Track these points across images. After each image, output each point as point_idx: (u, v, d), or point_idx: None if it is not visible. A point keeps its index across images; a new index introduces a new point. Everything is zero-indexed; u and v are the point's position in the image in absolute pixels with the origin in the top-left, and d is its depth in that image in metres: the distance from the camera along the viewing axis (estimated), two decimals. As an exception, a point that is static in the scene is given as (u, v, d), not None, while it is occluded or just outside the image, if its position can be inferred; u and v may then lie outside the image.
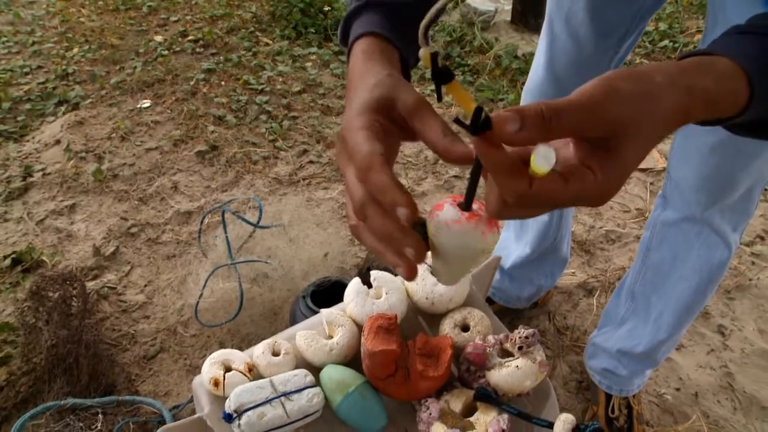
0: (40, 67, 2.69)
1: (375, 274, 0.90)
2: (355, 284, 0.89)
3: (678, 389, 1.50)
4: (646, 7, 1.04)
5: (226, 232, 1.52)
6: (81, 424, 1.24)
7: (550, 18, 1.14)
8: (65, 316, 1.44)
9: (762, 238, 1.94)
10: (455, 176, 2.11)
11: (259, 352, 0.85)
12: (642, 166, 2.24)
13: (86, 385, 1.35)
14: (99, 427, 1.23)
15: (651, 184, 2.16)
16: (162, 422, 1.27)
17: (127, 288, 1.66)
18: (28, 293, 1.47)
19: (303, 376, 0.81)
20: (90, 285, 1.62)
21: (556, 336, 1.59)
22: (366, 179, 0.46)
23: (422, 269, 0.90)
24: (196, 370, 1.43)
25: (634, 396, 1.39)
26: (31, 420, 1.24)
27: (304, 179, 2.06)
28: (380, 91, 0.51)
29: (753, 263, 1.85)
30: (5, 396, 1.35)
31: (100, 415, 1.26)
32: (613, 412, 1.37)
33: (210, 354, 0.85)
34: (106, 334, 1.53)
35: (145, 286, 1.66)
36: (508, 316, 1.59)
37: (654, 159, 2.27)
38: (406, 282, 0.92)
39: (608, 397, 1.39)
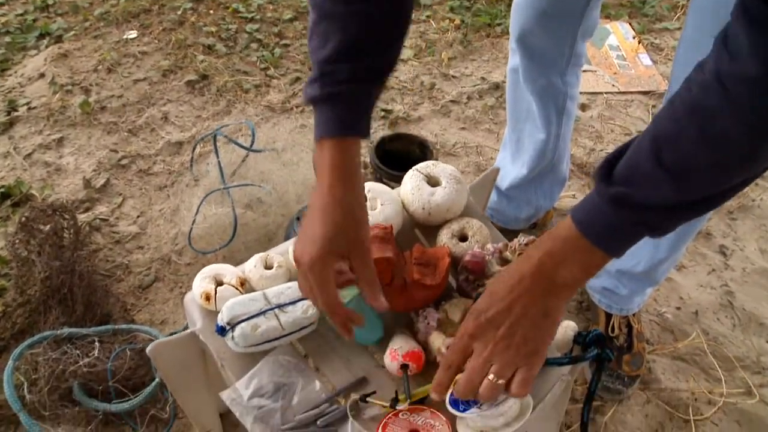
0: (18, -2, 2.58)
1: (370, 186, 0.87)
2: (349, 196, 0.86)
3: (678, 308, 1.49)
4: None
5: (218, 157, 1.47)
6: (78, 352, 1.23)
7: None
8: (57, 248, 1.41)
9: (766, 159, 1.90)
10: (452, 101, 2.05)
11: (251, 265, 0.83)
12: (644, 88, 2.18)
13: (82, 316, 1.33)
14: (96, 355, 1.22)
15: (653, 107, 2.11)
16: (160, 349, 1.26)
17: (120, 219, 1.63)
18: (18, 225, 1.43)
19: (297, 288, 0.78)
20: (82, 217, 1.59)
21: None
22: (329, 311, 0.69)
23: (416, 178, 0.87)
24: (192, 298, 1.41)
25: (633, 315, 1.38)
26: (29, 349, 1.23)
27: (297, 107, 2.00)
28: (339, 241, 0.67)
29: (756, 184, 1.82)
30: (2, 327, 1.33)
31: (96, 344, 1.25)
32: (613, 330, 1.37)
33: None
34: (99, 266, 1.50)
35: (138, 216, 1.63)
36: (507, 237, 1.56)
37: (657, 82, 2.21)
38: (402, 193, 0.89)
39: (608, 316, 1.38)
